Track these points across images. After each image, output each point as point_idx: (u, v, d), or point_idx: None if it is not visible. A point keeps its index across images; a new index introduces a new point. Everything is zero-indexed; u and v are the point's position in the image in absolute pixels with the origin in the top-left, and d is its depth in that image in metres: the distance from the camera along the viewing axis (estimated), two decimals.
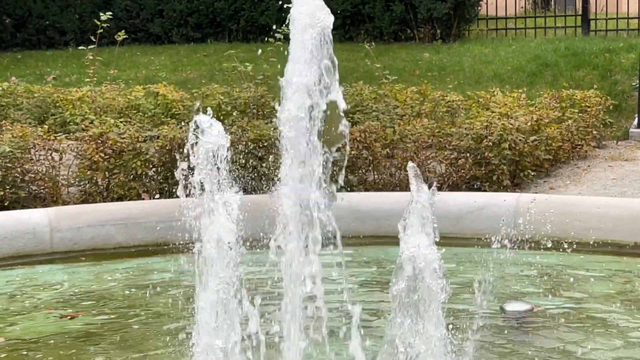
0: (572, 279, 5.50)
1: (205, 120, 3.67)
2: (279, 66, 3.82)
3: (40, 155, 7.65)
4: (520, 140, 7.72)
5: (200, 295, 3.68)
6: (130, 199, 7.24)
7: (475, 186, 7.64)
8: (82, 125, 8.47)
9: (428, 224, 3.66)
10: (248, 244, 3.80)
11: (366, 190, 7.49)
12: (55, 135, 7.93)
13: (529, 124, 8.01)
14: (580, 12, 15.20)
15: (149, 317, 5.12)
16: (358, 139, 7.60)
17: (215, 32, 16.17)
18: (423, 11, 14.80)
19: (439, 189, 7.53)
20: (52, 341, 4.80)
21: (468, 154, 7.72)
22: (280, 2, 15.31)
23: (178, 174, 3.70)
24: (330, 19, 3.70)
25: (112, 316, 5.17)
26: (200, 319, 3.66)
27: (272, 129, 7.69)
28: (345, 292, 3.73)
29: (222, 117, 8.95)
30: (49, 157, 7.65)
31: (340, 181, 3.81)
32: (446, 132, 7.96)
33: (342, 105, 3.72)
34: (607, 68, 12.01)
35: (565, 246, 5.52)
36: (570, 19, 15.38)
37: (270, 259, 3.77)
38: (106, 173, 7.47)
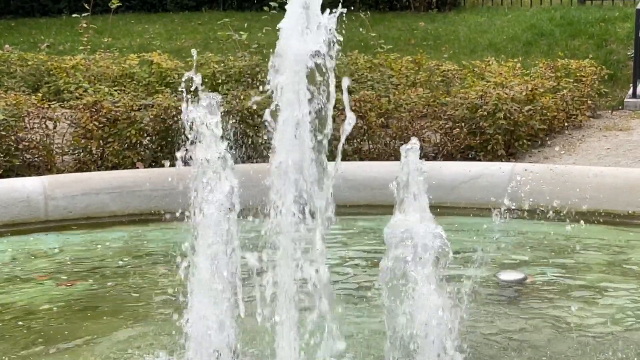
0: (566, 249, 5.51)
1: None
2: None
3: (34, 123, 7.64)
4: (515, 109, 7.71)
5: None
6: (125, 168, 7.23)
7: (470, 156, 7.64)
8: (76, 94, 8.45)
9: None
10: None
11: (361, 159, 7.49)
12: (49, 103, 7.91)
13: (524, 93, 8.00)
14: None
15: (144, 285, 5.13)
16: (353, 108, 7.56)
17: (210, 0, 16.08)
18: None
19: (434, 158, 7.54)
20: (46, 309, 4.81)
21: (463, 124, 7.71)
22: None
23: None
24: None
25: (107, 284, 5.18)
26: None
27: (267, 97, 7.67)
28: None
29: (216, 86, 8.94)
30: (43, 126, 7.64)
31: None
32: (441, 102, 7.95)
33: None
34: (603, 37, 11.98)
35: (560, 215, 5.53)
36: None
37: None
38: (100, 142, 7.46)
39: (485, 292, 4.80)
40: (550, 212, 5.60)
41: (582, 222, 5.44)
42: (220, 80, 9.18)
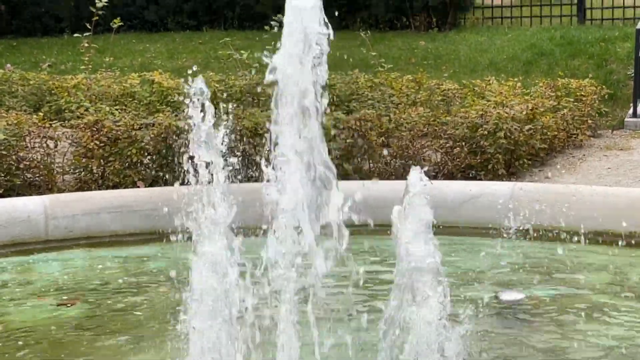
0: (566, 268, 5.50)
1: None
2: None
3: (35, 142, 7.64)
4: (515, 129, 7.72)
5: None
6: (126, 187, 7.23)
7: (471, 175, 7.64)
8: (78, 113, 8.46)
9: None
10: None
11: (361, 179, 7.49)
12: (51, 122, 7.92)
13: (524, 112, 8.01)
14: (575, 1, 15.19)
15: (144, 305, 5.13)
16: (353, 127, 7.60)
17: (211, 19, 16.14)
18: None
19: (435, 177, 7.54)
20: (47, 329, 4.80)
21: (463, 143, 7.72)
22: None
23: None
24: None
25: (108, 304, 5.17)
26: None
27: (267, 117, 7.69)
28: None
29: (216, 105, 8.94)
30: (44, 145, 7.64)
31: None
32: (442, 121, 7.96)
33: None
34: (603, 57, 12.01)
35: (560, 235, 5.52)
36: (565, 7, 15.38)
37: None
38: (101, 161, 7.46)
39: (486, 312, 4.79)
40: (551, 232, 5.60)
41: (582, 241, 5.43)
42: (221, 99, 9.19)
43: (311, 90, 3.40)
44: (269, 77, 3.41)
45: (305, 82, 3.38)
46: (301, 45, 3.37)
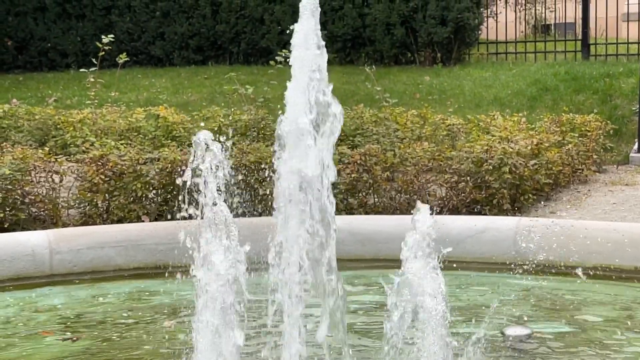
0: (572, 304, 5.48)
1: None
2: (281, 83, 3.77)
3: (40, 177, 7.65)
4: (520, 164, 7.72)
5: None
6: (130, 221, 7.23)
7: (476, 210, 7.63)
8: (83, 147, 8.48)
9: None
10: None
11: (366, 213, 7.49)
12: (56, 157, 7.93)
13: (529, 147, 8.01)
14: (580, 37, 15.24)
15: (149, 339, 5.11)
16: (358, 162, 7.60)
17: (216, 54, 16.21)
18: (424, 35, 14.84)
19: (439, 212, 7.53)
20: None
21: (468, 178, 7.72)
22: (280, 27, 15.32)
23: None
24: None
25: (112, 339, 5.15)
26: None
27: (272, 151, 7.70)
28: None
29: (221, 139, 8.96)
30: (49, 179, 7.65)
31: None
32: (446, 156, 7.96)
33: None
34: (607, 92, 12.03)
35: (566, 270, 5.50)
36: (570, 43, 15.43)
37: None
38: (106, 195, 7.47)
39: (491, 347, 4.76)
40: (556, 267, 5.59)
41: (588, 277, 5.42)
42: (226, 134, 9.20)
43: None
44: None
45: None
46: None
